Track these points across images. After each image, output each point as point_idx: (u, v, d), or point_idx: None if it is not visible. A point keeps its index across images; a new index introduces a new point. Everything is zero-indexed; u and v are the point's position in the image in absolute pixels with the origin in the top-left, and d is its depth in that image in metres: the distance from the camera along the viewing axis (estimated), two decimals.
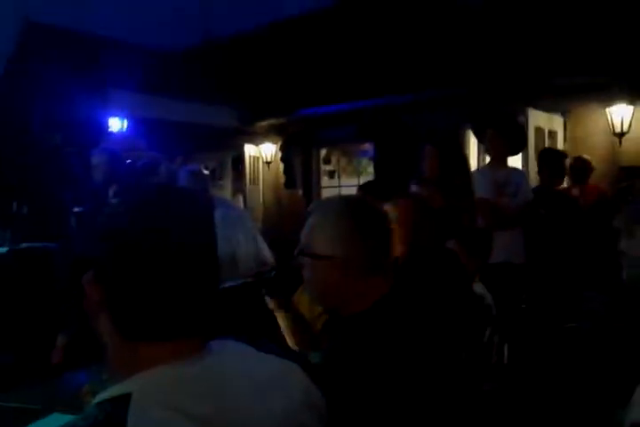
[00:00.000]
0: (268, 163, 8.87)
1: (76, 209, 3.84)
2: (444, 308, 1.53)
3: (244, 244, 3.56)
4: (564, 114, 5.89)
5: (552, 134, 5.67)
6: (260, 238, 3.82)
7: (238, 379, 0.78)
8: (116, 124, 7.17)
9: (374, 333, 1.18)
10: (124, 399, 0.68)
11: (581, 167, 4.61)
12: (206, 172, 8.52)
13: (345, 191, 8.23)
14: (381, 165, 6.85)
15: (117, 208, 0.79)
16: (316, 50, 8.11)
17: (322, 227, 1.27)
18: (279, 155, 8.68)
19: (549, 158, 4.20)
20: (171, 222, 0.75)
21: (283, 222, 8.41)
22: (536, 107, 5.22)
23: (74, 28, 8.28)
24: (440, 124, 6.14)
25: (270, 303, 1.60)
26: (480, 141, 3.83)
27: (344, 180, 8.75)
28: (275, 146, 8.79)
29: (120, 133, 7.17)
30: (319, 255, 1.25)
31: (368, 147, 8.37)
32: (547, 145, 5.52)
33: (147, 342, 0.74)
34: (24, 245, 4.00)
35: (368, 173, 8.52)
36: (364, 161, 8.82)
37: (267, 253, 3.79)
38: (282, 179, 8.68)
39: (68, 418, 1.69)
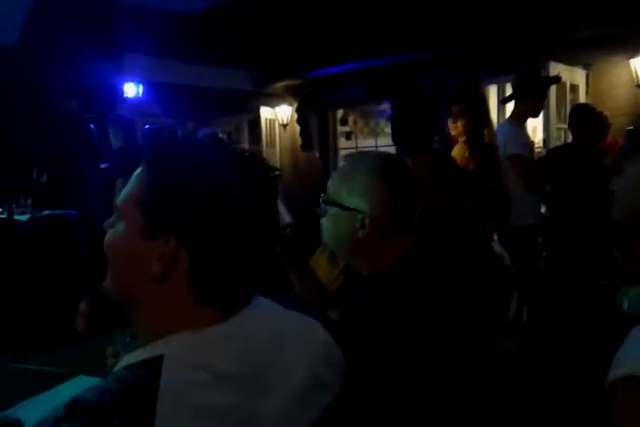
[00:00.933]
0: (285, 125, 8.80)
1: (102, 166, 3.84)
2: (463, 266, 1.53)
3: None
4: (586, 67, 5.71)
5: (574, 88, 5.51)
6: (278, 200, 3.84)
7: (264, 337, 0.79)
8: (131, 90, 7.13)
9: (397, 291, 1.18)
10: (157, 362, 0.69)
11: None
12: (222, 135, 8.50)
13: None
14: (399, 124, 6.73)
15: (188, 170, 0.74)
16: (329, 8, 7.90)
17: (353, 180, 1.25)
18: (295, 117, 8.59)
19: (580, 115, 4.05)
20: (241, 179, 0.75)
21: (300, 184, 8.40)
22: (557, 60, 5.05)
23: None
24: (457, 82, 5.99)
25: (285, 262, 1.60)
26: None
27: (361, 141, 8.66)
28: (291, 108, 8.69)
29: (136, 99, 7.14)
30: (345, 207, 1.24)
31: (385, 107, 8.22)
32: (568, 99, 5.38)
33: (205, 307, 0.75)
34: (45, 212, 4.06)
35: (385, 134, 8.40)
36: (382, 122, 8.70)
37: (285, 212, 3.81)
38: (299, 141, 8.62)
39: (92, 381, 1.72)
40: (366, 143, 8.36)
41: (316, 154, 8.44)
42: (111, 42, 6.67)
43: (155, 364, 0.69)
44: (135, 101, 7.35)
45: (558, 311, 3.25)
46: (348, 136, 9.07)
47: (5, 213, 3.83)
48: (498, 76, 6.28)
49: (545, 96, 3.81)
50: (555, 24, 5.52)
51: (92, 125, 4.86)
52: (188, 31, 8.70)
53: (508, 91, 6.29)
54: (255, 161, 0.80)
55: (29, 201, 4.27)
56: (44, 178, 4.32)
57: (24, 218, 3.97)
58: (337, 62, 7.30)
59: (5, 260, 3.20)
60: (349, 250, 1.28)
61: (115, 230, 0.77)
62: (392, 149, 6.77)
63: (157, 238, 0.72)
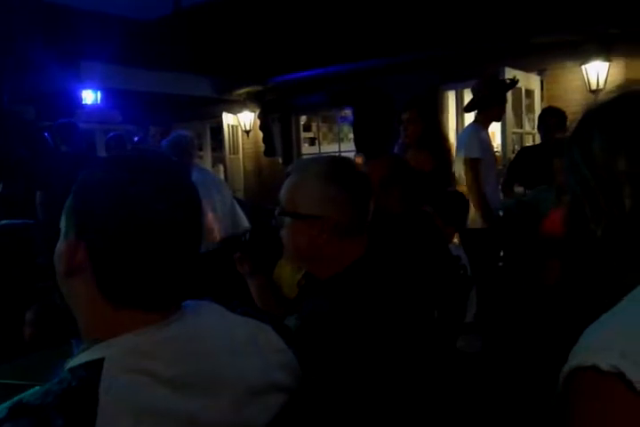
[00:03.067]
0: (248, 131, 8.78)
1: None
2: (417, 267, 1.55)
3: (220, 206, 3.59)
4: (540, 73, 5.87)
5: (529, 93, 5.67)
6: (236, 205, 3.86)
7: (212, 339, 0.79)
8: (89, 97, 7.02)
9: (351, 293, 1.19)
10: (97, 364, 0.70)
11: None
12: (190, 136, 8.45)
13: None
14: (360, 130, 6.82)
15: (105, 174, 0.78)
16: (289, 15, 7.94)
17: (305, 187, 1.25)
18: (258, 123, 8.59)
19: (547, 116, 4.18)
20: (155, 188, 0.76)
21: (263, 191, 8.39)
22: (512, 66, 5.18)
23: None
24: (416, 88, 6.09)
25: (242, 267, 1.61)
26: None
27: (324, 147, 8.71)
28: (253, 114, 8.68)
29: (95, 106, 7.04)
30: (301, 215, 1.24)
31: (348, 113, 8.30)
32: (524, 104, 5.52)
33: (128, 308, 0.75)
34: (3, 221, 3.96)
35: (349, 140, 8.47)
36: (345, 127, 8.76)
37: (243, 217, 3.83)
38: (262, 147, 8.62)
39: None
40: (330, 149, 8.40)
41: (279, 160, 8.44)
42: (68, 48, 6.57)
43: (95, 366, 0.70)
44: (94, 109, 7.25)
45: (517, 310, 3.32)
46: (312, 142, 9.10)
47: None
48: (456, 82, 6.40)
49: (506, 100, 3.92)
50: (510, 31, 5.67)
51: (46, 134, 4.78)
52: (148, 38, 8.62)
53: (467, 96, 6.43)
54: (170, 167, 0.81)
55: None
56: (0, 187, 4.22)
57: None
58: (298, 68, 7.34)
59: None
60: (308, 256, 1.29)
61: None
62: (354, 155, 6.80)
63: (67, 238, 0.77)
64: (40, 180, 3.91)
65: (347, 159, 1.41)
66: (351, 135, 8.62)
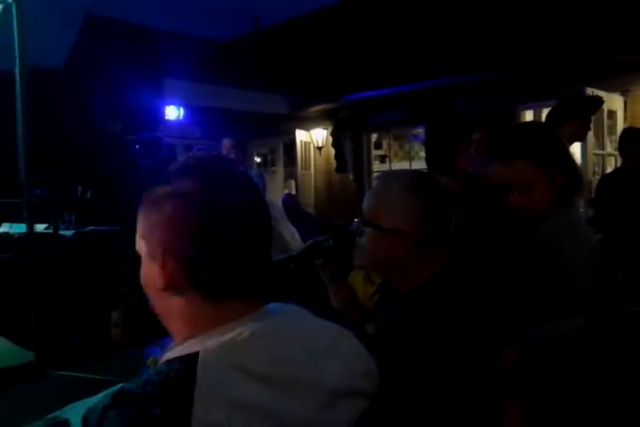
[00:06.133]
0: (320, 148, 8.92)
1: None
2: (497, 281, 1.54)
3: (282, 222, 3.65)
4: (624, 93, 5.68)
5: (611, 114, 5.48)
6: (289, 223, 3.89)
7: (298, 341, 0.82)
8: (172, 113, 7.36)
9: (433, 305, 1.21)
10: (192, 358, 0.74)
11: None
12: (257, 159, 8.61)
13: None
14: (433, 148, 6.77)
15: (177, 184, 0.82)
16: (365, 33, 8.05)
17: (389, 199, 1.27)
18: (330, 140, 8.71)
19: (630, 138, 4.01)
20: (239, 194, 0.82)
21: (333, 206, 8.47)
22: (595, 86, 5.04)
23: (131, 20, 8.50)
24: (493, 107, 6.02)
25: (324, 273, 1.64)
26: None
27: (395, 164, 8.71)
28: (326, 131, 8.82)
29: (176, 121, 7.36)
30: (384, 228, 1.26)
31: (420, 131, 8.28)
32: (606, 125, 5.35)
33: (218, 302, 0.80)
34: (89, 228, 4.20)
35: (420, 158, 8.43)
36: (416, 146, 8.75)
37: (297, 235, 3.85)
38: (333, 164, 8.71)
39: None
40: (400, 166, 8.40)
41: (350, 176, 8.51)
42: (154, 67, 6.93)
43: (191, 360, 0.74)
44: (175, 124, 7.57)
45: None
46: (383, 160, 9.13)
47: (51, 228, 3.97)
48: (534, 102, 6.29)
49: (588, 117, 3.76)
50: (593, 49, 5.53)
51: (137, 146, 5.02)
52: (226, 57, 8.96)
53: (545, 116, 6.29)
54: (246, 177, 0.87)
55: (73, 217, 4.43)
56: (89, 195, 4.47)
57: (68, 233, 4.11)
58: (372, 86, 7.41)
59: (49, 274, 3.31)
60: (388, 267, 1.31)
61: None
62: None
63: (155, 258, 0.81)
64: (125, 190, 4.12)
65: (431, 176, 1.43)
66: (422, 153, 8.60)
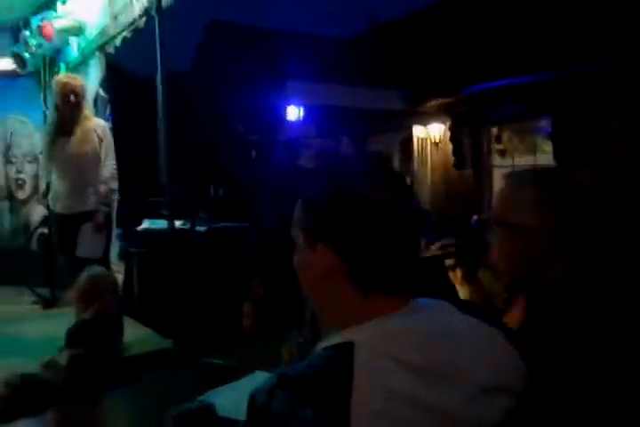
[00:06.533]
0: (437, 143, 8.78)
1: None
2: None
3: None
4: None
5: None
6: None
7: (447, 334, 0.85)
8: (293, 113, 7.58)
9: (563, 305, 1.18)
10: (349, 346, 0.79)
11: None
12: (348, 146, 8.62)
13: None
14: (562, 140, 6.45)
15: (330, 183, 0.90)
16: (480, 25, 7.82)
17: (518, 196, 1.26)
18: (448, 135, 8.55)
19: None
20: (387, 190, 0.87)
21: (450, 203, 8.31)
22: None
23: (252, 23, 8.86)
24: (625, 98, 5.61)
25: (456, 275, 1.65)
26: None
27: (517, 159, 8.37)
28: (443, 126, 8.67)
29: (297, 121, 7.57)
30: (515, 225, 1.25)
31: (543, 124, 7.90)
32: None
33: (371, 294, 0.85)
34: (221, 224, 4.46)
35: (543, 152, 8.04)
36: (538, 139, 8.35)
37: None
38: (451, 160, 8.55)
39: (268, 375, 1.89)
40: (523, 161, 8.06)
41: (470, 172, 8.31)
42: (276, 68, 7.17)
43: (347, 348, 0.78)
44: (294, 124, 7.79)
45: None
46: (502, 154, 8.82)
47: (187, 224, 4.26)
48: None
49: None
50: None
51: (256, 146, 5.24)
52: (342, 55, 9.07)
53: None
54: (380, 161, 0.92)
55: (207, 214, 4.70)
56: (221, 193, 4.74)
57: (203, 229, 4.39)
58: (491, 78, 7.18)
59: (186, 266, 3.56)
60: (519, 267, 1.29)
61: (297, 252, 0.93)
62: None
63: (314, 249, 0.87)
64: (260, 189, 4.29)
65: (565, 173, 1.39)
66: (545, 147, 8.18)
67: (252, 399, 0.77)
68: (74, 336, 2.47)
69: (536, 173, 1.34)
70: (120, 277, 4.20)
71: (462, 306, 0.93)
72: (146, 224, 4.59)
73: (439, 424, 0.78)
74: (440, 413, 0.78)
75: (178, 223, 4.06)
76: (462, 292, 1.72)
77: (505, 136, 8.76)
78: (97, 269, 2.81)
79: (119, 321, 3.25)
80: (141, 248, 4.54)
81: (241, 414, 1.54)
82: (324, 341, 0.86)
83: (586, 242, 1.27)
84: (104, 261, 3.62)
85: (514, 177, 1.36)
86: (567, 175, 1.31)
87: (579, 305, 1.16)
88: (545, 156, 7.69)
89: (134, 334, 3.63)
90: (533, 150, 8.29)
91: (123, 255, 4.61)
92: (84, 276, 2.68)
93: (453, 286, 1.76)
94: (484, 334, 0.89)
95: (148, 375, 3.02)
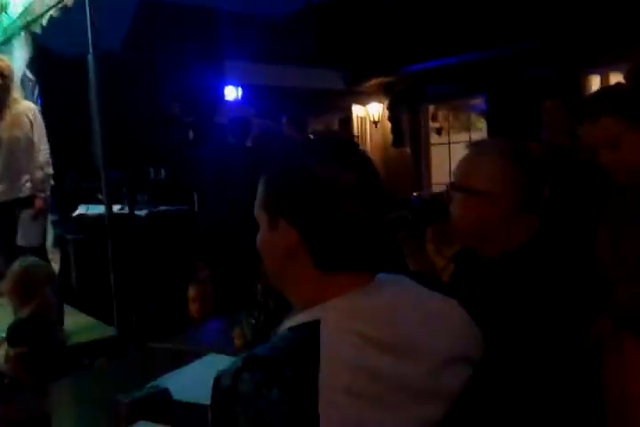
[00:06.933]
0: (376, 122, 8.85)
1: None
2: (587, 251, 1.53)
3: None
4: None
5: None
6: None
7: (409, 308, 0.86)
8: (231, 93, 7.44)
9: (530, 271, 1.22)
10: (315, 325, 0.79)
11: None
12: (311, 136, 8.65)
13: (455, 148, 8.07)
14: (496, 118, 6.63)
15: (291, 161, 0.89)
16: (417, 4, 7.87)
17: (480, 163, 1.31)
18: (386, 114, 8.62)
19: None
20: (350, 164, 0.86)
21: (390, 181, 8.42)
22: None
23: (187, 2, 8.62)
24: (557, 75, 5.81)
25: (407, 247, 1.66)
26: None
27: (453, 136, 8.56)
28: (381, 105, 8.73)
29: (235, 101, 7.45)
30: (475, 190, 1.29)
31: (478, 101, 8.09)
32: None
33: (337, 272, 0.85)
34: (161, 207, 4.36)
35: (477, 129, 8.26)
36: (473, 116, 8.56)
37: None
38: (390, 138, 8.65)
39: (223, 358, 1.88)
40: (459, 138, 8.25)
41: (408, 150, 8.44)
42: (211, 48, 7.01)
43: (313, 326, 0.79)
44: (232, 104, 7.66)
45: None
46: (439, 132, 8.99)
47: (125, 208, 4.15)
48: (601, 66, 6.03)
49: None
50: None
51: (192, 127, 5.14)
52: (281, 34, 8.95)
53: (613, 80, 6.03)
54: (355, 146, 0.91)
55: (146, 197, 4.59)
56: (162, 175, 4.62)
57: (142, 213, 4.28)
58: (429, 58, 7.27)
59: (125, 252, 3.47)
60: (479, 232, 1.33)
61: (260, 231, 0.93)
62: None
63: (276, 227, 0.86)
64: (203, 170, 4.20)
65: (524, 143, 1.45)
66: (479, 124, 8.41)
67: (217, 382, 0.76)
68: (16, 335, 2.41)
69: (498, 143, 1.39)
70: (56, 266, 4.07)
71: (420, 279, 0.94)
72: (81, 210, 4.44)
73: (405, 397, 0.79)
74: (405, 386, 0.79)
75: (115, 208, 3.95)
76: (410, 265, 1.74)
77: (440, 114, 8.93)
78: (30, 260, 2.70)
79: (59, 311, 3.16)
80: (77, 234, 4.40)
81: (196, 398, 1.53)
82: (288, 321, 0.85)
83: (541, 204, 1.33)
84: (42, 248, 3.48)
85: (476, 146, 1.40)
86: (527, 147, 1.37)
87: (538, 274, 1.20)
88: (479, 133, 7.91)
89: (75, 322, 3.53)
90: (468, 128, 8.49)
91: (58, 242, 4.46)
92: (16, 268, 2.58)
93: (402, 258, 1.78)
94: (442, 306, 0.91)
95: (94, 364, 2.95)
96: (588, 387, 1.19)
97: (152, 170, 4.74)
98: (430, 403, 0.82)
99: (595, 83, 6.29)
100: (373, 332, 0.79)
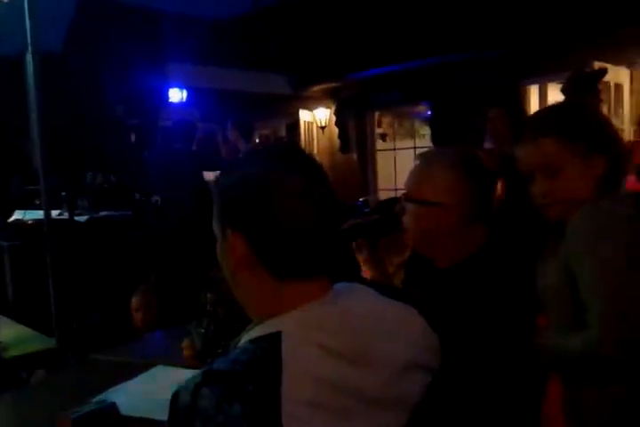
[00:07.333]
0: (323, 127, 8.89)
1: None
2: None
3: None
4: (630, 66, 5.65)
5: (618, 87, 5.47)
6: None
7: (367, 318, 0.85)
8: (176, 95, 7.31)
9: (473, 284, 1.24)
10: (275, 337, 0.78)
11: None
12: (257, 141, 8.63)
13: (400, 154, 8.20)
14: (439, 126, 6.78)
15: (244, 163, 0.88)
16: (365, 11, 7.96)
17: (431, 174, 1.32)
18: (333, 119, 8.67)
19: None
20: (297, 169, 0.84)
21: (337, 186, 8.45)
22: (601, 59, 5.02)
23: (130, 1, 8.40)
24: (496, 82, 5.99)
25: (361, 253, 1.67)
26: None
27: (398, 142, 8.70)
28: (328, 110, 8.78)
29: (180, 103, 7.32)
30: (427, 202, 1.30)
31: (422, 108, 8.26)
32: (612, 99, 5.33)
33: (290, 281, 0.83)
34: (102, 213, 4.23)
35: (421, 136, 8.43)
36: (417, 123, 8.72)
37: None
38: (337, 143, 8.70)
39: (172, 369, 1.83)
40: (403, 145, 8.39)
41: (354, 156, 8.50)
42: (155, 49, 6.86)
43: (274, 339, 0.77)
44: (177, 106, 7.53)
45: None
46: (383, 138, 9.12)
47: (64, 214, 4.00)
48: (539, 76, 6.26)
49: (595, 91, 3.76)
50: (598, 22, 5.48)
51: (135, 130, 5.03)
52: (226, 37, 8.86)
53: (550, 90, 6.27)
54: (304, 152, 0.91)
55: (86, 203, 4.45)
56: (99, 179, 4.49)
57: (82, 219, 4.14)
58: (375, 65, 7.36)
59: (65, 259, 3.34)
60: (430, 242, 1.34)
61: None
62: None
63: (225, 238, 0.85)
64: (155, 174, 4.11)
65: (473, 153, 1.46)
66: (423, 131, 8.58)
67: (175, 399, 0.74)
68: None
69: (449, 153, 1.39)
70: None
71: (378, 288, 0.94)
72: (18, 215, 4.25)
73: (367, 407, 0.79)
74: (367, 395, 0.79)
75: (54, 213, 3.79)
76: (365, 272, 1.75)
77: (385, 121, 9.06)
78: None
79: None
80: (13, 241, 4.20)
81: (146, 412, 1.48)
82: (247, 333, 0.84)
83: (490, 215, 1.35)
84: None
85: (426, 157, 1.41)
86: (475, 155, 1.39)
87: (488, 283, 1.22)
88: (424, 139, 8.07)
89: (10, 334, 3.36)
90: (412, 134, 8.65)
91: None
92: None
93: (359, 267, 1.78)
94: (402, 314, 0.91)
95: (33, 377, 2.82)
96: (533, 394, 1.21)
97: (93, 174, 4.59)
98: (392, 411, 0.82)
99: (533, 93, 6.53)
100: (333, 343, 0.79)
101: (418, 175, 1.35)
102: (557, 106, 1.53)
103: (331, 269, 0.87)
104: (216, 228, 0.88)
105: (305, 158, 0.88)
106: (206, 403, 0.71)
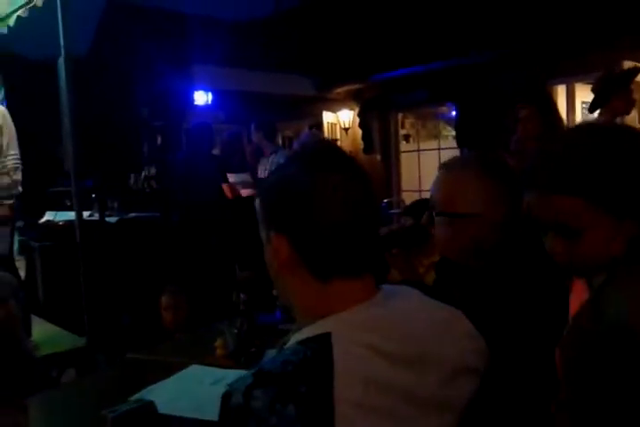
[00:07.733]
0: (346, 129, 8.89)
1: None
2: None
3: None
4: None
5: None
6: None
7: (416, 320, 0.86)
8: (201, 98, 7.38)
9: (514, 284, 1.22)
10: (326, 338, 0.78)
11: None
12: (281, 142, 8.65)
13: (424, 156, 8.16)
14: (465, 127, 6.73)
15: (286, 167, 0.89)
16: (388, 12, 7.95)
17: (462, 185, 1.27)
18: (357, 121, 8.67)
19: None
20: (341, 171, 0.85)
21: None
22: (631, 59, 4.93)
23: (155, 5, 8.49)
24: (525, 84, 5.92)
25: (397, 262, 1.66)
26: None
27: (422, 144, 8.65)
28: (352, 112, 8.78)
29: (205, 106, 7.38)
30: (460, 214, 1.26)
31: (444, 109, 8.22)
32: None
33: (333, 281, 0.84)
34: (132, 214, 4.28)
35: (444, 137, 8.38)
36: (440, 124, 8.68)
37: None
38: (360, 144, 8.69)
39: (206, 369, 1.85)
40: (427, 146, 8.35)
41: (378, 157, 8.50)
42: (180, 52, 6.93)
43: (324, 340, 0.78)
44: (203, 109, 7.59)
45: None
46: (407, 139, 9.09)
47: (94, 215, 4.06)
48: (566, 76, 6.18)
49: (627, 90, 3.68)
50: (626, 21, 5.40)
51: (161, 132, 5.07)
52: (250, 39, 8.91)
53: (578, 90, 6.19)
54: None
55: (116, 204, 4.51)
56: (134, 181, 4.55)
57: (112, 220, 4.20)
58: (399, 66, 7.34)
59: (96, 260, 3.40)
60: (468, 254, 1.31)
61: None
62: (455, 152, 6.72)
63: (270, 241, 0.87)
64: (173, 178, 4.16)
65: (497, 157, 1.43)
66: (446, 132, 8.53)
67: (227, 400, 0.74)
68: None
69: (474, 161, 1.35)
70: (21, 273, 3.95)
71: (425, 290, 0.94)
72: (49, 216, 4.33)
73: (415, 409, 0.79)
74: (416, 397, 0.79)
75: (85, 214, 3.86)
76: (396, 276, 1.74)
77: (408, 122, 9.03)
78: None
79: (26, 322, 3.05)
80: (44, 242, 4.28)
81: (182, 411, 1.50)
82: (296, 334, 0.84)
83: (520, 223, 1.33)
84: (9, 258, 3.37)
85: (451, 167, 1.35)
86: (503, 162, 1.35)
87: (536, 277, 1.20)
88: (447, 141, 8.02)
89: (43, 333, 3.43)
90: (436, 135, 8.61)
91: (24, 250, 4.34)
92: None
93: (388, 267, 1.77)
94: (449, 317, 0.92)
95: (63, 376, 2.86)
96: None
97: (129, 175, 4.67)
98: (440, 414, 0.82)
99: (561, 93, 6.44)
100: (384, 344, 0.79)
101: (444, 187, 1.30)
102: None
103: (372, 265, 0.88)
104: (262, 232, 0.89)
105: (343, 158, 0.89)
106: (259, 404, 0.71)
